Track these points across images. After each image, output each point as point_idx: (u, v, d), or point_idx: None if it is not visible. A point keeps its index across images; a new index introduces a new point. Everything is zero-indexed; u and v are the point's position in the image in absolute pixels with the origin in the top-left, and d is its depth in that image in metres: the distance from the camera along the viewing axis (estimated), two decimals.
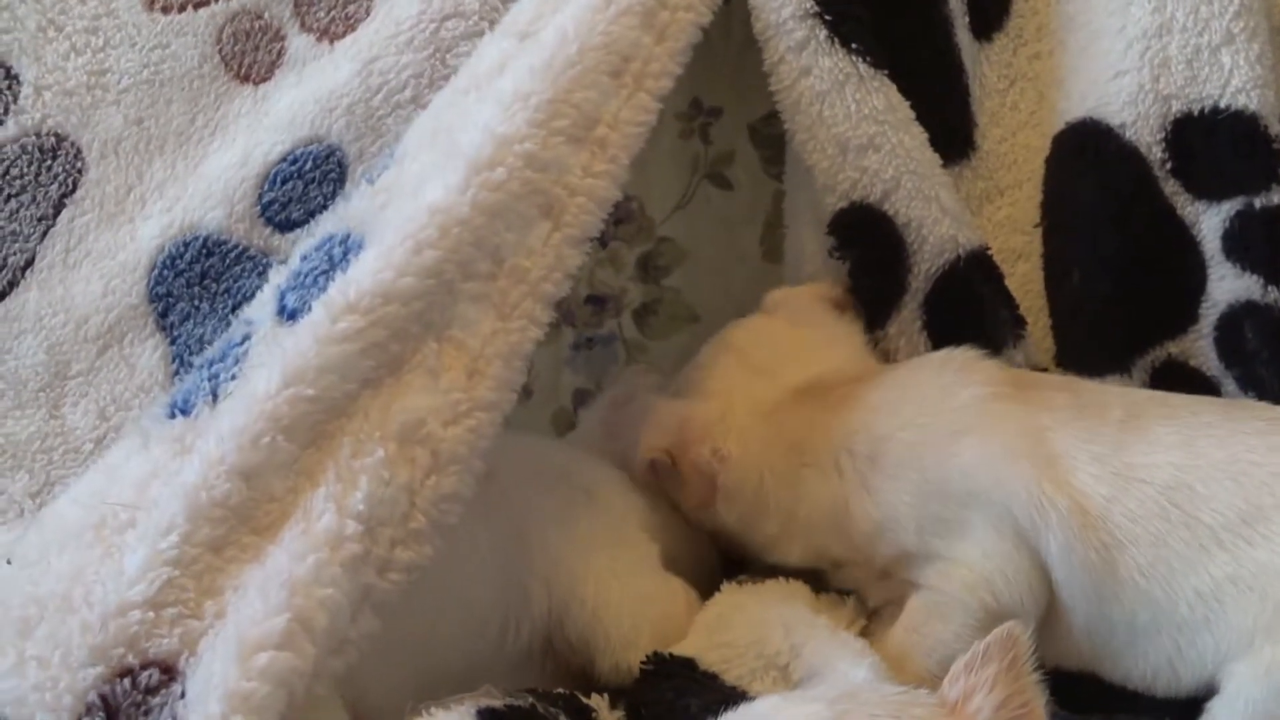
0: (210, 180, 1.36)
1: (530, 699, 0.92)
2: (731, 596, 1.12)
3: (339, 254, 1.04)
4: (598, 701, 0.96)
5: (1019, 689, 0.73)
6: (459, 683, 0.96)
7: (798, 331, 1.24)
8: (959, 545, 1.06)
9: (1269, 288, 1.28)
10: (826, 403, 1.14)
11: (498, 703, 0.89)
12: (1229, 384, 1.30)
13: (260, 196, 1.34)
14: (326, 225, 1.13)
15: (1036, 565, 1.05)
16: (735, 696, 0.96)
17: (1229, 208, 1.30)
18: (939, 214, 1.26)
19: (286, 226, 1.33)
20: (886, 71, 1.26)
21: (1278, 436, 1.05)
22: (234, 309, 1.33)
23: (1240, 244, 1.30)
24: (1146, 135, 1.33)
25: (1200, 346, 1.31)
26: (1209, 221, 1.31)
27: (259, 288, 1.17)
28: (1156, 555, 1.01)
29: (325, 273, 1.03)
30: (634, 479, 1.17)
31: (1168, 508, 1.01)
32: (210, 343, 1.28)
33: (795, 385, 1.17)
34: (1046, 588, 1.05)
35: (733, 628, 1.06)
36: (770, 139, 1.45)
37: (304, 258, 1.08)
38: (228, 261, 1.34)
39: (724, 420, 1.15)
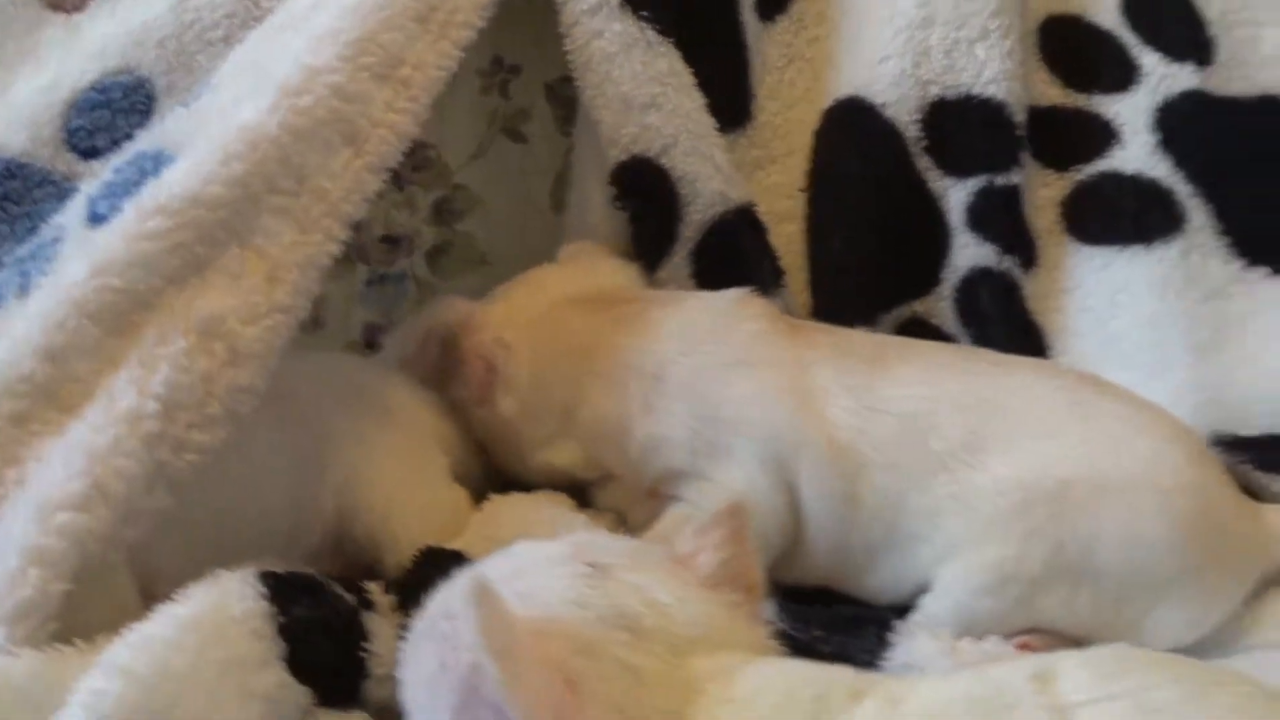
0: (18, 106, 1.38)
1: (311, 572, 1.00)
2: (501, 500, 1.20)
3: (150, 167, 1.10)
4: (371, 585, 1.03)
5: (739, 553, 0.83)
6: None
7: (588, 272, 1.34)
8: (723, 468, 1.15)
9: (1004, 257, 1.43)
10: (614, 316, 1.23)
11: (280, 569, 0.96)
12: (965, 342, 1.43)
13: (67, 123, 1.36)
14: (139, 144, 1.18)
15: (789, 493, 1.14)
16: None
17: (973, 184, 1.45)
18: (712, 171, 1.38)
19: (92, 154, 1.36)
20: (673, 40, 1.37)
21: (1002, 377, 1.18)
22: (34, 232, 1.36)
23: (981, 217, 1.44)
24: (905, 115, 1.46)
25: (941, 307, 1.45)
26: (955, 195, 1.45)
27: (60, 212, 1.22)
28: (892, 478, 1.12)
29: (136, 183, 1.08)
30: (432, 396, 1.26)
31: (904, 436, 1.12)
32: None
33: (582, 295, 1.26)
34: (795, 515, 1.15)
35: (501, 524, 1.14)
36: (565, 99, 1.55)
37: (116, 170, 1.13)
38: (30, 185, 1.36)
39: (510, 317, 1.23)
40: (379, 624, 0.97)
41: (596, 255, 1.37)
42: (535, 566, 0.77)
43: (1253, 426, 1.30)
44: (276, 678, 0.89)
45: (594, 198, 1.44)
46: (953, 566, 1.09)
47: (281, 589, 0.93)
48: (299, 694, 0.90)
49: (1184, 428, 1.16)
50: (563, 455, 1.23)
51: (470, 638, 0.72)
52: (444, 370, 1.26)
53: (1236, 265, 1.41)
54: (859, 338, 1.27)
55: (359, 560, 1.14)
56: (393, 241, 1.54)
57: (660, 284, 1.40)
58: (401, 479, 1.15)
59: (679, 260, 1.39)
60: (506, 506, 1.18)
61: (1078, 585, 1.06)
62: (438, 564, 1.08)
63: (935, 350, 1.25)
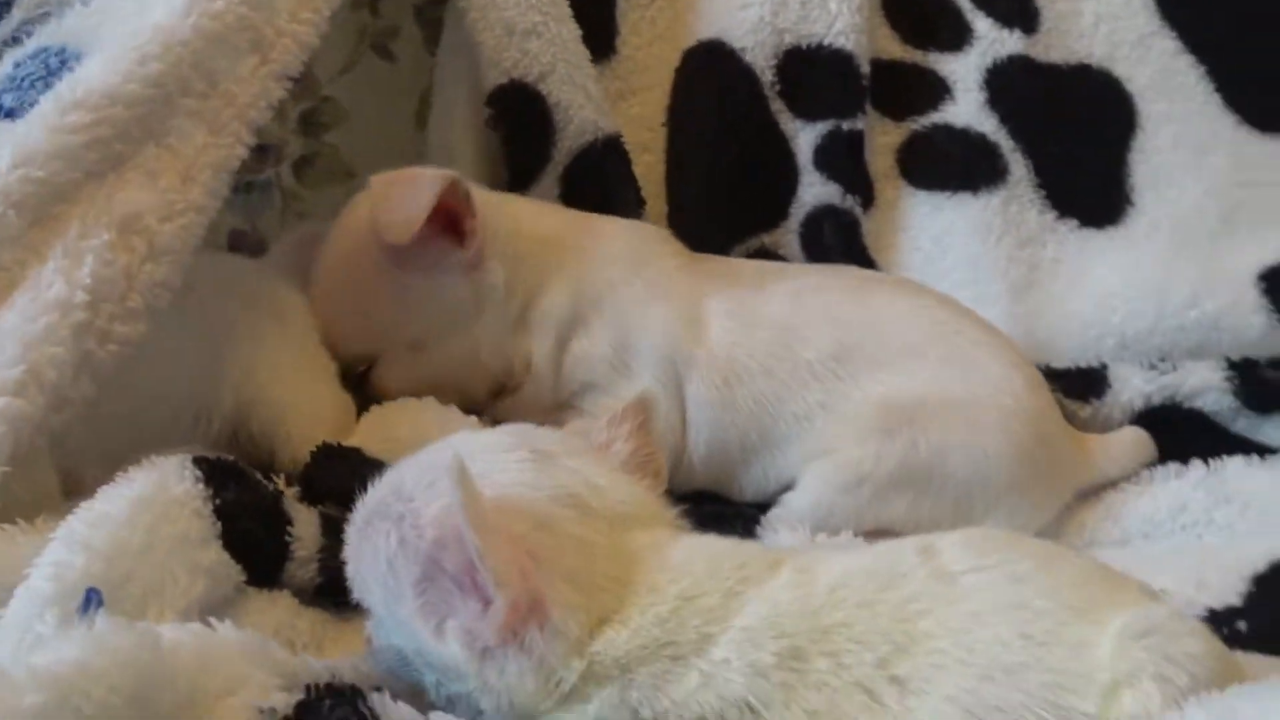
0: None
1: (234, 459, 1.05)
2: (389, 405, 1.25)
3: (55, 64, 1.11)
4: (275, 478, 1.09)
5: (647, 443, 0.93)
6: None
7: None
8: (627, 385, 1.24)
9: (847, 196, 1.54)
10: (569, 219, 1.34)
11: (211, 455, 1.01)
12: None
13: None
14: (39, 39, 1.19)
15: (681, 411, 1.25)
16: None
17: (822, 128, 1.56)
18: (585, 99, 1.46)
19: None
20: None
21: (864, 292, 1.31)
22: None
23: (827, 158, 1.55)
24: (761, 60, 1.56)
25: (789, 239, 1.56)
26: (805, 137, 1.56)
27: None
28: (767, 386, 1.24)
29: (43, 79, 1.10)
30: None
31: (777, 346, 1.24)
32: None
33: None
34: (683, 427, 1.26)
35: (396, 426, 1.21)
36: (433, 21, 1.61)
37: (17, 64, 1.14)
38: None
39: (487, 199, 1.28)
40: (299, 510, 1.04)
41: None
42: (483, 453, 0.84)
43: (1062, 359, 1.45)
44: (216, 554, 0.94)
45: (457, 118, 1.50)
46: (816, 465, 1.21)
47: (213, 473, 0.98)
48: (234, 571, 0.96)
49: (1024, 357, 1.30)
50: (520, 344, 1.28)
51: (432, 515, 0.80)
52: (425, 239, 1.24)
53: (1050, 216, 1.55)
54: (744, 266, 1.38)
55: (254, 455, 1.18)
56: (261, 150, 1.57)
57: None
58: (296, 378, 1.21)
59: (548, 182, 1.47)
60: (396, 410, 1.24)
61: (924, 490, 1.18)
62: (338, 459, 1.14)
63: (808, 271, 1.37)
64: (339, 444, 1.16)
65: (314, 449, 1.15)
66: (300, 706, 0.78)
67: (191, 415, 1.14)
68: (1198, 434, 1.36)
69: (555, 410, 1.27)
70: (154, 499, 0.92)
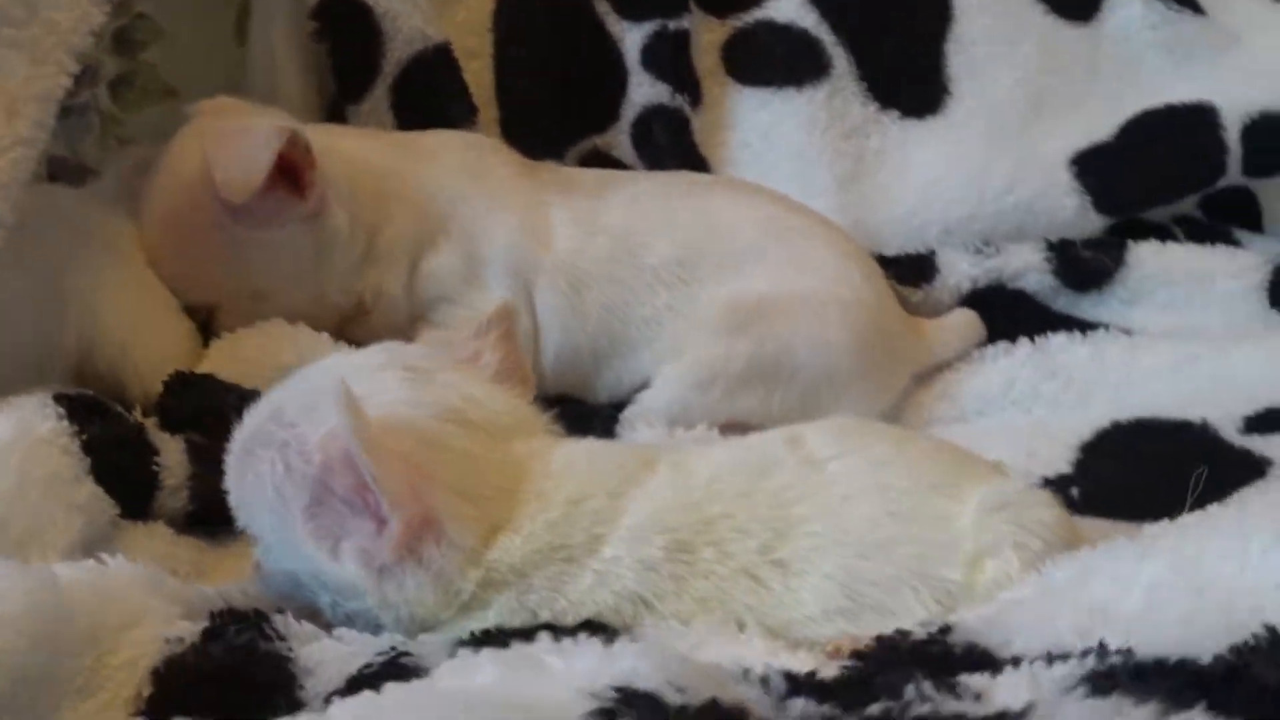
0: None
1: (94, 394, 1.03)
2: (245, 331, 1.22)
3: None
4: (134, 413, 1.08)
5: (511, 351, 0.94)
6: None
7: None
8: (479, 296, 1.25)
9: (675, 95, 1.56)
10: (394, 143, 1.33)
11: (71, 391, 1.00)
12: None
13: None
14: None
15: (533, 318, 1.27)
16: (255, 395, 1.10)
17: (648, 27, 1.57)
18: (412, 9, 1.45)
19: None
20: None
21: (700, 196, 1.33)
22: None
23: (655, 58, 1.56)
24: None
25: (620, 140, 1.58)
26: (631, 37, 1.57)
27: None
28: (613, 292, 1.26)
29: None
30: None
31: (619, 252, 1.27)
32: None
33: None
34: (536, 339, 1.27)
35: (246, 348, 1.19)
36: None
37: None
38: None
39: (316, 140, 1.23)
40: (164, 439, 1.03)
41: (240, 110, 1.32)
42: (359, 374, 0.84)
43: (890, 247, 1.50)
44: (90, 490, 0.93)
45: (279, 32, 1.47)
46: (669, 366, 1.24)
47: (76, 409, 0.97)
48: (108, 505, 0.95)
49: (858, 247, 1.35)
50: (368, 277, 1.27)
51: (317, 440, 0.80)
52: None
53: (873, 108, 1.59)
54: (582, 175, 1.39)
55: (100, 393, 1.16)
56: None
57: (361, 117, 1.46)
58: (138, 310, 1.18)
59: (379, 94, 1.46)
60: (246, 335, 1.22)
61: (773, 384, 1.23)
62: (192, 386, 1.13)
63: (644, 178, 1.39)
64: (190, 372, 1.15)
65: (166, 379, 1.13)
66: (206, 633, 0.79)
67: (35, 359, 1.10)
68: (1022, 313, 1.42)
69: (407, 326, 1.28)
70: (20, 440, 0.91)
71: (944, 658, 0.74)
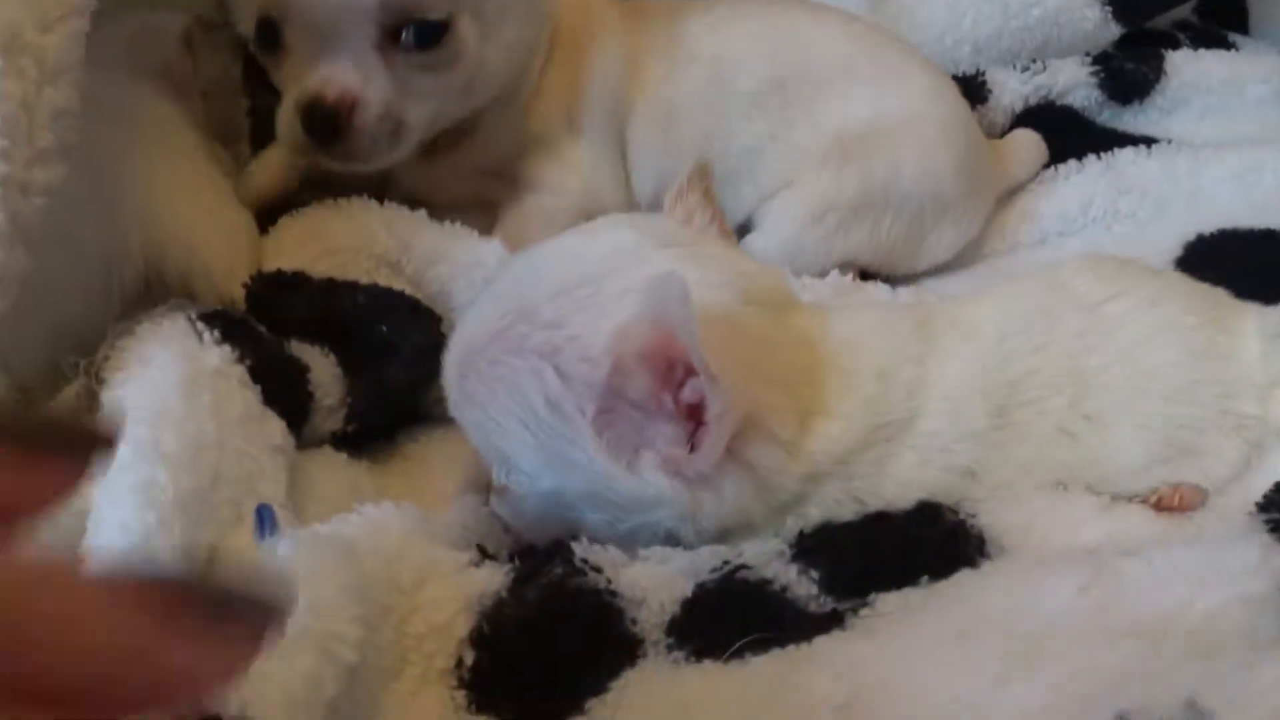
0: None
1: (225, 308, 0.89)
2: (314, 212, 1.06)
3: None
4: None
5: (717, 210, 0.83)
6: (79, 343, 0.89)
7: None
8: (575, 144, 1.16)
9: None
10: None
11: (206, 309, 0.85)
12: None
13: None
14: None
15: (622, 160, 1.17)
16: (361, 290, 0.97)
17: None
18: None
19: None
20: None
21: (777, 16, 1.22)
22: None
23: None
24: None
25: None
26: None
27: None
28: (711, 123, 1.16)
29: None
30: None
31: (713, 80, 1.16)
32: None
33: None
34: (628, 184, 1.18)
35: (334, 236, 1.03)
36: None
37: None
38: None
39: None
40: (311, 355, 0.89)
41: None
42: (624, 256, 0.73)
43: None
44: (278, 426, 0.80)
45: None
46: (778, 202, 1.16)
47: (227, 330, 0.82)
48: (291, 442, 0.82)
49: (937, 65, 1.28)
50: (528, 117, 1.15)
51: (604, 342, 0.69)
52: None
53: None
54: (651, 6, 1.24)
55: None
56: None
57: None
58: (200, 205, 1.01)
59: None
60: (330, 219, 1.05)
61: (883, 212, 1.15)
62: (289, 289, 0.97)
63: (717, 3, 1.26)
64: (280, 271, 1.00)
65: (251, 282, 0.98)
66: (519, 579, 0.68)
67: (103, 274, 0.94)
68: (1070, 130, 1.38)
69: (475, 179, 1.16)
70: (199, 379, 0.77)
71: None
